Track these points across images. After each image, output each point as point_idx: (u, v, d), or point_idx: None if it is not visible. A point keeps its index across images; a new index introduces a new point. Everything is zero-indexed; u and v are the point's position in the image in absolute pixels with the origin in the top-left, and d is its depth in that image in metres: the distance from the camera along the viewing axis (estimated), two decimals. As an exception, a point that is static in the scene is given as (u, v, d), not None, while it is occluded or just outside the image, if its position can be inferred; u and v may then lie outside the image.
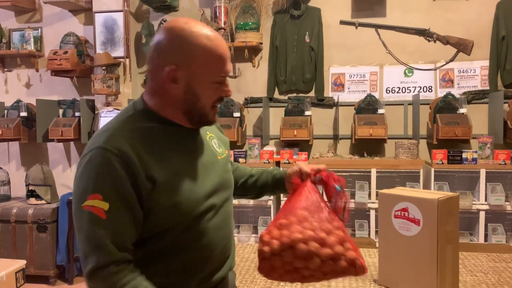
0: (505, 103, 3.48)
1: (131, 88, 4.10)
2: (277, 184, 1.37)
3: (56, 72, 4.07)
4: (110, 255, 0.98)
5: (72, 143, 4.36)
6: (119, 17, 4.03)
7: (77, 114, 4.15)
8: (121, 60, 4.07)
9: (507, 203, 3.20)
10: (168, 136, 1.11)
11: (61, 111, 4.29)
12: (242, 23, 3.83)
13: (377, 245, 1.79)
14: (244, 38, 3.80)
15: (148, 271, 1.05)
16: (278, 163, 3.54)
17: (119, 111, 1.18)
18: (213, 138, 1.26)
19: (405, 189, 1.57)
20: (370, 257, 1.83)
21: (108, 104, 4.11)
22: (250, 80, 4.03)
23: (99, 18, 4.07)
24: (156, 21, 4.04)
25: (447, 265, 1.38)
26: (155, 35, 1.11)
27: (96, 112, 4.19)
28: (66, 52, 3.94)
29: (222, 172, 1.22)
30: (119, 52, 4.09)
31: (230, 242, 1.22)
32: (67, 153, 4.41)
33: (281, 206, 1.12)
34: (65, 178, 4.33)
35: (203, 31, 1.07)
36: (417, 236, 1.39)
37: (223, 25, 3.88)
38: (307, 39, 3.83)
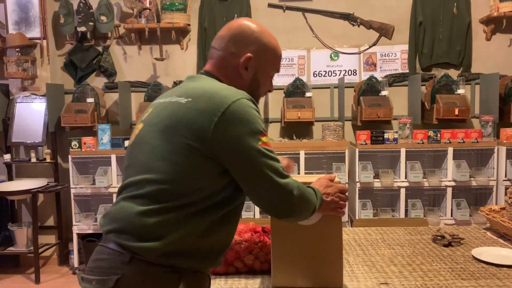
0: (422, 85, 3.69)
1: (50, 72, 3.84)
2: None
3: (-38, 54, 3.71)
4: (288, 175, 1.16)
5: (-16, 131, 4.02)
6: (34, -5, 3.74)
7: (-11, 99, 3.82)
8: (38, 41, 3.79)
9: (425, 179, 3.42)
10: None
11: (-30, 96, 3.92)
12: (168, 3, 3.70)
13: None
14: (171, 19, 3.68)
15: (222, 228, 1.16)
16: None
17: (203, 78, 1.25)
18: None
19: (296, 176, 1.46)
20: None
21: (24, 89, 3.82)
22: (179, 63, 3.93)
23: (10, -5, 3.75)
24: (75, 0, 3.79)
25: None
26: (229, 27, 1.28)
27: (11, 97, 3.88)
28: (-27, 32, 3.60)
29: None
30: (35, 32, 3.81)
31: None
32: (-21, 143, 4.06)
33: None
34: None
35: (271, 33, 1.31)
36: (318, 223, 1.34)
37: (148, 5, 3.73)
38: (235, 22, 3.78)
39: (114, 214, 1.13)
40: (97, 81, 3.97)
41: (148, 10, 3.71)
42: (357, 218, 3.38)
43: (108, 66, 3.86)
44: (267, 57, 1.28)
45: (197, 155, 1.08)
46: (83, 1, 3.76)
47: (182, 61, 3.93)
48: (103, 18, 3.74)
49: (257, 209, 3.44)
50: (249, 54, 1.24)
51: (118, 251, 1.07)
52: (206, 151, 1.08)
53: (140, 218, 1.07)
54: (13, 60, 3.66)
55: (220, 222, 1.14)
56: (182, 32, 3.85)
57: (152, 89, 3.70)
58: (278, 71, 1.35)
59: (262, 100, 3.88)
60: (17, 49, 3.68)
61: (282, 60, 3.89)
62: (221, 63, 1.27)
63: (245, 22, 1.29)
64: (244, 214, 3.44)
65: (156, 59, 3.82)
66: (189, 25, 3.81)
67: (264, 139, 1.13)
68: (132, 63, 3.97)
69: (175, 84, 3.89)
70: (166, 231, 1.07)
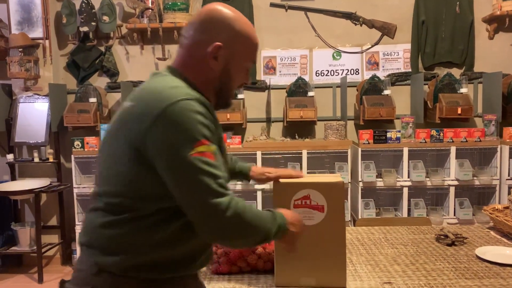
0: (425, 84, 3.68)
1: (52, 72, 3.85)
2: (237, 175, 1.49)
3: (-35, 54, 3.72)
4: (227, 189, 1.02)
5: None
6: (36, -5, 3.74)
7: (-8, 100, 3.83)
8: (40, 41, 3.79)
9: (427, 179, 3.41)
10: (212, 109, 1.13)
11: (-27, 97, 3.93)
12: (170, 3, 3.70)
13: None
14: (173, 19, 3.68)
15: (181, 237, 1.07)
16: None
17: (159, 76, 1.15)
18: None
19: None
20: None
21: (27, 89, 3.83)
22: (181, 63, 3.93)
23: (13, -5, 3.76)
24: (77, 0, 3.80)
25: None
26: (199, 12, 1.17)
27: (13, 97, 3.89)
28: (-25, 32, 3.61)
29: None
30: (37, 32, 3.82)
31: None
32: (-18, 143, 4.07)
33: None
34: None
35: (246, 20, 1.18)
36: (321, 223, 1.33)
37: (150, 5, 3.73)
38: (237, 21, 3.78)
39: (84, 226, 1.12)
40: (100, 81, 3.97)
41: (150, 10, 3.72)
42: (359, 217, 3.38)
43: (110, 66, 3.87)
44: (240, 46, 1.15)
45: (137, 164, 1.01)
46: (86, 1, 3.76)
47: (184, 60, 3.92)
48: (106, 18, 3.74)
49: (259, 208, 3.44)
50: (218, 43, 1.12)
51: (89, 263, 1.06)
52: (144, 160, 1.01)
53: (102, 231, 1.05)
54: (16, 60, 3.66)
55: (184, 231, 1.06)
56: (184, 31, 3.84)
57: (155, 89, 3.70)
58: (254, 62, 1.24)
59: (264, 99, 3.88)
60: (19, 49, 3.69)
61: (284, 59, 3.93)
62: (188, 52, 1.16)
63: (216, 7, 1.17)
64: (247, 214, 3.43)
65: (159, 59, 3.82)
66: (191, 24, 3.81)
67: (201, 148, 0.99)
68: (134, 63, 3.97)
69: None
70: (126, 245, 1.04)
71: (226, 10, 1.16)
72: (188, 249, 1.09)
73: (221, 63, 1.14)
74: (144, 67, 3.95)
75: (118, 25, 3.86)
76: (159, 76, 1.15)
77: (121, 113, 1.09)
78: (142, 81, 3.90)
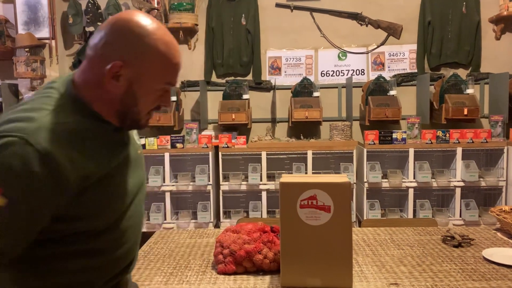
0: (431, 85, 3.67)
1: (58, 71, 3.87)
2: None
3: (-28, 54, 3.75)
4: None
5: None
6: (43, -5, 3.76)
7: (-2, 99, 3.85)
8: (46, 41, 3.81)
9: (433, 180, 3.39)
10: (100, 132, 1.02)
11: (-20, 96, 3.96)
12: (176, 3, 3.71)
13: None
14: (179, 19, 3.69)
15: (53, 268, 0.99)
16: (217, 148, 3.51)
17: (44, 91, 1.02)
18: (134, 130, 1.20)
19: (305, 176, 1.48)
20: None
21: (33, 89, 3.85)
22: (187, 63, 3.94)
23: (20, -4, 3.78)
24: (84, 0, 3.82)
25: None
26: (109, 19, 1.01)
27: (20, 97, 3.91)
28: (-17, 32, 3.63)
29: (141, 167, 1.19)
30: (43, 32, 3.83)
31: (139, 240, 1.21)
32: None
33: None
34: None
35: (163, 34, 1.00)
36: (327, 224, 1.33)
37: (156, 5, 3.74)
38: (243, 22, 3.79)
39: None
40: (105, 81, 3.98)
41: (156, 10, 3.73)
42: (365, 218, 3.37)
43: (116, 66, 3.87)
44: (149, 66, 0.98)
45: None
46: (92, 1, 3.78)
47: (190, 61, 3.93)
48: (112, 18, 3.75)
49: (264, 208, 3.44)
50: (118, 61, 0.96)
51: None
52: None
53: None
54: (22, 60, 3.68)
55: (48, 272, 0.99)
56: (190, 32, 3.86)
57: (160, 89, 3.71)
58: (171, 83, 1.04)
59: (269, 100, 3.88)
60: (26, 49, 3.71)
61: (289, 59, 3.93)
62: (88, 65, 1.00)
63: (125, 16, 0.99)
64: (252, 214, 3.44)
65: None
66: (196, 25, 3.82)
67: None
68: (140, 63, 3.97)
69: (183, 84, 3.90)
70: None
71: (136, 20, 0.98)
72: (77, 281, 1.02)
73: (123, 84, 0.98)
74: (149, 67, 3.95)
75: (124, 25, 3.87)
76: (39, 95, 0.99)
77: None
78: (147, 81, 3.91)
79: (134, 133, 1.20)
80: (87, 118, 1.00)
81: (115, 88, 0.98)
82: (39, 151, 0.87)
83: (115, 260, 1.09)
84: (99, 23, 3.78)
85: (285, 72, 3.90)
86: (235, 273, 1.49)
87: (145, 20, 0.99)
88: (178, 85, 3.86)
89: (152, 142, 3.43)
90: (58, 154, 0.89)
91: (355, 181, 3.52)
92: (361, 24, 3.34)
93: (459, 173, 3.37)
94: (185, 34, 3.81)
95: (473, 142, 3.37)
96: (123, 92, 0.99)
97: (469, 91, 3.52)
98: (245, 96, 3.70)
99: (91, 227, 1.01)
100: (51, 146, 0.89)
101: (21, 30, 3.82)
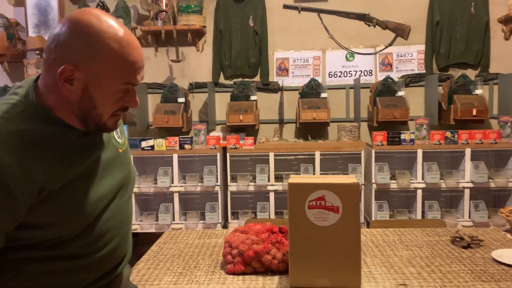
0: (439, 85, 3.65)
1: (68, 74, 3.90)
2: None
3: (-16, 57, 3.80)
4: None
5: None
6: (53, -2, 3.81)
7: (9, 101, 3.90)
8: (56, 44, 3.85)
9: (442, 181, 3.38)
10: (62, 139, 0.98)
11: (-9, 98, 4.01)
12: (184, 5, 3.73)
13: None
14: (187, 21, 3.71)
15: (32, 270, 0.99)
16: (224, 149, 3.53)
17: (6, 97, 0.99)
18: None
19: (313, 177, 1.49)
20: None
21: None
22: (195, 64, 3.96)
23: (30, -1, 3.83)
24: (93, 3, 3.85)
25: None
26: (58, 23, 0.97)
27: (30, 99, 3.95)
28: (-6, 35, 3.68)
29: (123, 167, 1.15)
30: (54, 35, 3.87)
31: (128, 240, 1.19)
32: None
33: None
34: None
35: (116, 32, 0.94)
36: (336, 224, 1.34)
37: (164, 8, 3.77)
38: (251, 23, 3.81)
39: None
40: (114, 83, 4.02)
41: (164, 13, 3.75)
42: (373, 219, 3.36)
43: (125, 68, 3.90)
44: (103, 68, 0.94)
45: None
46: (101, 4, 3.81)
47: (198, 62, 3.95)
48: (121, 20, 3.78)
49: (272, 209, 3.45)
50: (68, 66, 0.92)
51: None
52: None
53: None
54: (32, 62, 3.73)
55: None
56: (198, 33, 3.88)
57: (169, 91, 3.74)
58: (132, 82, 0.98)
59: (276, 101, 3.89)
60: (36, 52, 3.75)
61: (297, 60, 3.94)
62: (45, 69, 0.97)
63: (73, 16, 0.94)
64: (260, 215, 3.45)
65: (173, 60, 3.85)
66: (204, 27, 3.84)
67: None
68: (148, 65, 4.00)
69: (191, 85, 3.92)
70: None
71: (85, 19, 0.92)
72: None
73: (77, 87, 0.94)
74: (158, 69, 3.99)
75: (133, 28, 3.91)
76: (1, 102, 0.98)
77: None
78: (156, 83, 3.95)
79: (115, 132, 1.15)
80: (49, 125, 0.96)
81: (70, 92, 0.94)
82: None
83: (98, 262, 1.07)
84: (108, 26, 3.81)
85: (293, 73, 3.91)
86: (243, 273, 1.50)
87: (96, 19, 0.93)
88: (186, 86, 3.89)
89: (160, 143, 3.45)
90: (11, 164, 0.87)
91: (363, 182, 3.52)
92: (369, 25, 3.33)
93: (468, 174, 3.35)
94: (193, 36, 3.83)
95: (482, 143, 3.35)
96: (79, 96, 0.95)
97: (478, 91, 3.50)
98: (252, 98, 3.71)
99: (59, 235, 0.98)
100: (4, 156, 0.87)
101: (31, 33, 3.87)
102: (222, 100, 3.89)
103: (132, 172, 1.21)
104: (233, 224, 3.48)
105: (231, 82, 3.92)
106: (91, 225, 1.03)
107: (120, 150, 1.16)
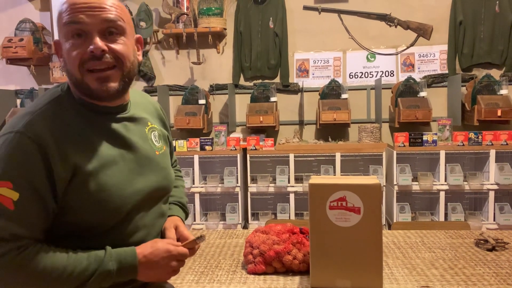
0: (462, 86, 3.60)
1: (92, 76, 3.99)
2: None
3: (12, 61, 3.91)
4: (13, 242, 0.92)
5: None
6: (77, 3, 3.90)
7: (35, 104, 4.01)
8: (81, 47, 3.94)
9: (465, 182, 3.32)
10: (95, 122, 1.05)
11: (18, 101, 4.13)
12: (205, 8, 3.77)
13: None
14: (208, 23, 3.75)
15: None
16: (245, 150, 3.55)
17: (47, 90, 1.11)
18: (154, 130, 1.21)
19: (334, 178, 1.49)
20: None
21: (68, 93, 3.98)
22: (215, 66, 4.00)
23: (56, 4, 3.91)
24: (116, 7, 3.92)
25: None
26: None
27: (56, 101, 4.05)
28: (21, 40, 3.79)
29: (158, 169, 1.17)
30: (78, 39, 3.96)
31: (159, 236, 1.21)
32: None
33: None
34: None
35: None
36: (357, 225, 1.33)
37: (185, 10, 3.81)
38: (271, 25, 3.82)
39: None
40: (137, 85, 4.09)
41: (185, 16, 3.80)
42: (394, 221, 3.33)
43: (147, 70, 3.97)
44: (58, 23, 1.03)
45: None
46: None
47: (218, 64, 3.99)
48: (143, 24, 3.85)
49: (292, 210, 3.45)
50: (55, 40, 1.07)
51: None
52: None
53: None
54: (58, 65, 3.82)
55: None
56: (219, 36, 3.91)
57: (190, 93, 3.78)
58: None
59: (297, 102, 3.89)
60: (62, 55, 3.85)
61: (317, 61, 3.92)
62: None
63: None
64: (280, 216, 3.45)
65: (193, 63, 3.89)
66: (225, 29, 3.87)
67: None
68: (170, 67, 4.06)
69: (211, 87, 3.96)
70: None
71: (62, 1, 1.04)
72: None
73: (62, 57, 1.06)
74: (179, 71, 4.04)
75: (155, 31, 3.97)
76: (46, 93, 1.09)
77: None
78: (178, 85, 4.00)
79: (152, 135, 1.20)
80: (80, 107, 1.05)
81: (62, 63, 1.05)
82: (32, 138, 0.94)
83: None
84: (130, 29, 3.87)
85: (313, 74, 3.90)
86: (264, 273, 1.51)
87: None
88: (206, 88, 3.92)
89: (182, 145, 3.49)
90: (49, 140, 0.95)
91: (384, 184, 3.49)
92: (390, 25, 3.31)
93: (493, 176, 3.29)
94: (214, 39, 3.87)
95: (507, 144, 3.28)
96: (64, 64, 1.05)
97: (503, 92, 3.43)
98: (272, 99, 3.72)
99: (92, 224, 1.01)
100: (43, 133, 0.95)
101: (56, 37, 3.96)
102: (242, 102, 3.91)
103: (168, 177, 1.23)
104: (253, 225, 3.50)
105: (251, 84, 3.94)
106: (124, 221, 1.06)
107: (157, 153, 1.19)
